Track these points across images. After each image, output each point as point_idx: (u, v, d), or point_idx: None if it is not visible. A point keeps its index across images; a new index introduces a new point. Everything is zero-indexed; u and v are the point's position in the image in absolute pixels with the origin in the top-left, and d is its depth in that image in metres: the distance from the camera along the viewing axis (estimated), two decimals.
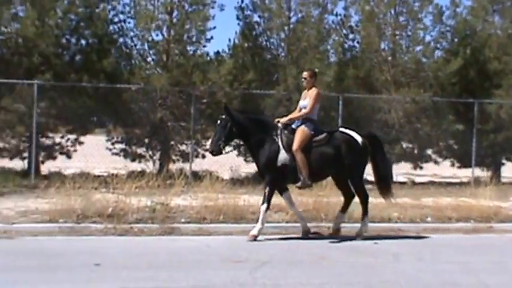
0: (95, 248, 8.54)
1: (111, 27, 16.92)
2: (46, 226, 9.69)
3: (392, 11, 18.35)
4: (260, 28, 18.14)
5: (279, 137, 9.48)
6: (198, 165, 16.38)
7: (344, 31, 18.70)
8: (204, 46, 17.36)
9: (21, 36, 15.48)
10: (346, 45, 18.82)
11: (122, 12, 17.12)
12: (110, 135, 16.83)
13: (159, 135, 16.73)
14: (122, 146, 16.76)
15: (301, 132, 9.47)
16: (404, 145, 18.41)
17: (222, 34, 29.71)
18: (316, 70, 10.45)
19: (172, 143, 16.99)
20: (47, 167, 15.53)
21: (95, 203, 10.34)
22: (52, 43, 15.41)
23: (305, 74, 9.90)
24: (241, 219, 10.68)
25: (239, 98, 16.76)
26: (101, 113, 17.07)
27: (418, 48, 18.67)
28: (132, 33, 17.22)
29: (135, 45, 17.27)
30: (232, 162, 16.11)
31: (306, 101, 9.73)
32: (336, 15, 18.43)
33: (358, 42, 18.92)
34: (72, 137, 16.24)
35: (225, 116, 9.43)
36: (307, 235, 9.74)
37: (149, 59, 17.38)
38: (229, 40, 18.78)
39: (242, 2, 17.96)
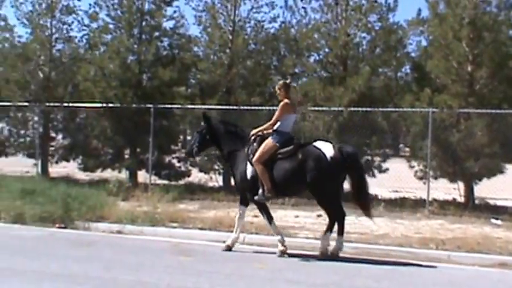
0: None
1: None
2: None
3: None
4: None
5: (247, 149, 9.40)
6: None
7: None
8: None
9: None
10: None
11: None
12: None
13: None
14: None
15: (265, 144, 9.29)
16: None
17: None
18: (288, 81, 9.94)
19: None
20: None
21: None
22: None
23: (276, 86, 9.81)
24: None
25: None
26: None
27: None
28: None
29: None
30: None
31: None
32: None
33: None
34: None
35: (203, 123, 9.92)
36: (283, 255, 9.18)
37: None
38: None
39: None
